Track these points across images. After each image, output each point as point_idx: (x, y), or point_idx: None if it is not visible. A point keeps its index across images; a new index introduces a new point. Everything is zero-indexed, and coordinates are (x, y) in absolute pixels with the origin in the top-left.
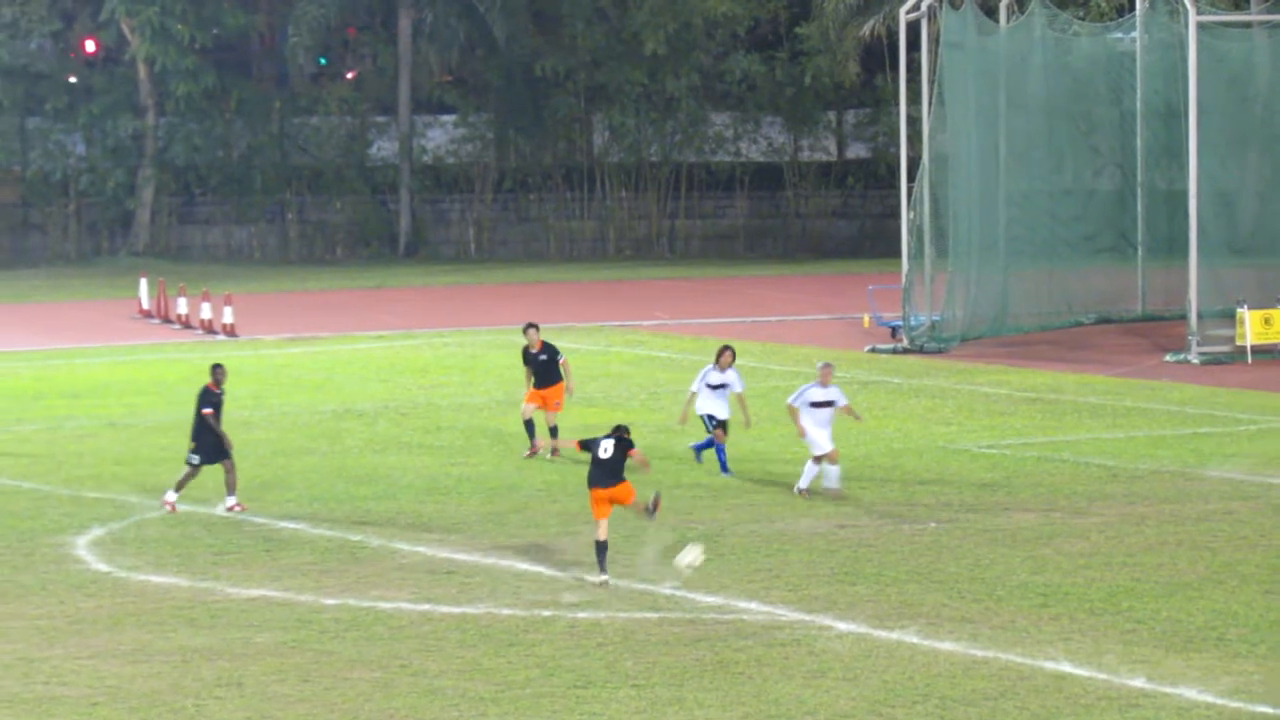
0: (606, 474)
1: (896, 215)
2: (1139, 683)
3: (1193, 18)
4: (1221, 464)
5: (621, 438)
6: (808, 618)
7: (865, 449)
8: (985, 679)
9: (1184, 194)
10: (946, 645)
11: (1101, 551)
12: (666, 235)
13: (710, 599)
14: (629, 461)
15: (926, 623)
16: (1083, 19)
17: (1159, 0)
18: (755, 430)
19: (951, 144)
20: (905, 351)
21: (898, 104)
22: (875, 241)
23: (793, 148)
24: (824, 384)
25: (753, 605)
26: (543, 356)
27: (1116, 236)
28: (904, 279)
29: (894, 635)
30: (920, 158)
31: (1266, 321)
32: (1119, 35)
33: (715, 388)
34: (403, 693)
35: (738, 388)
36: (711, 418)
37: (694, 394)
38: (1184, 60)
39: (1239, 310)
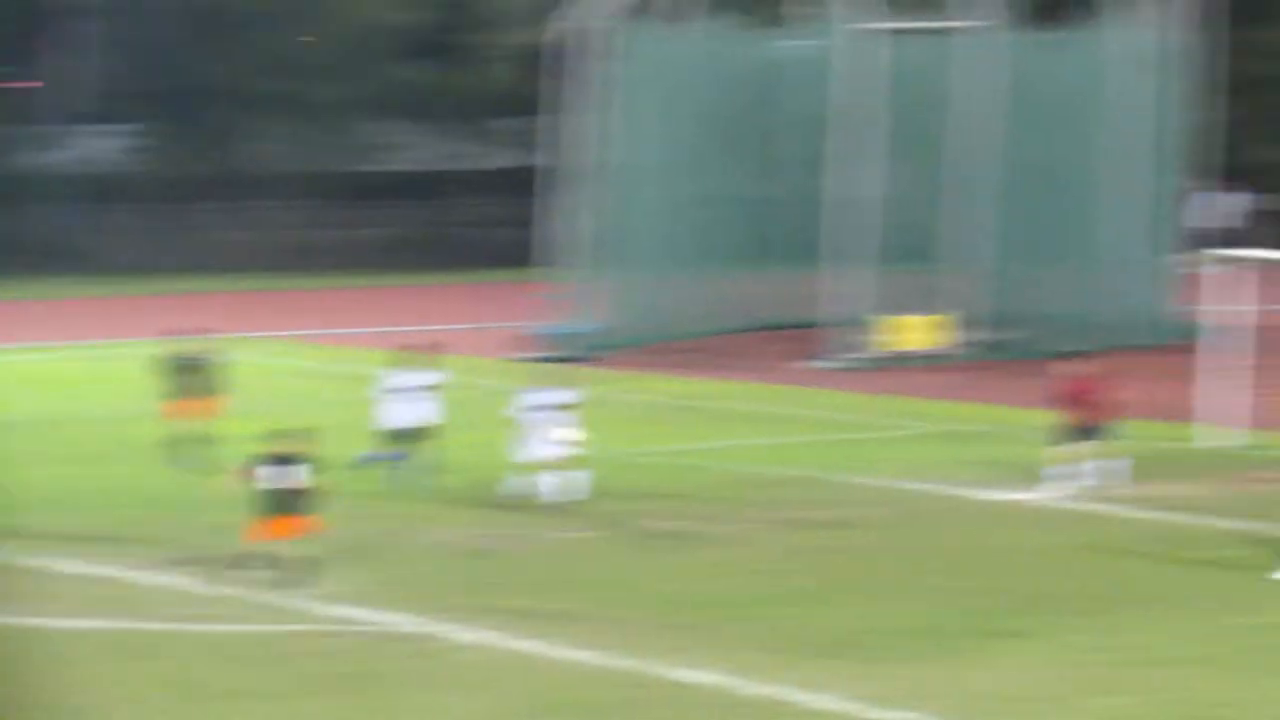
0: (276, 502)
1: (561, 223)
2: (775, 689)
3: (854, 25)
4: (863, 470)
5: (284, 457)
6: (440, 627)
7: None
8: (623, 687)
9: (834, 201)
10: (585, 654)
11: (744, 558)
12: (330, 244)
13: (341, 610)
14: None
15: (561, 632)
16: (750, 27)
17: (826, 7)
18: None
19: (617, 151)
20: (564, 360)
21: (564, 111)
22: (539, 250)
23: (456, 156)
24: (548, 388)
25: (385, 615)
26: (196, 364)
27: (771, 243)
28: (565, 287)
29: (532, 644)
30: (586, 165)
31: (909, 328)
32: (787, 42)
33: (412, 390)
34: (26, 709)
35: (438, 383)
36: (398, 431)
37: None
38: (848, 67)
39: (883, 317)
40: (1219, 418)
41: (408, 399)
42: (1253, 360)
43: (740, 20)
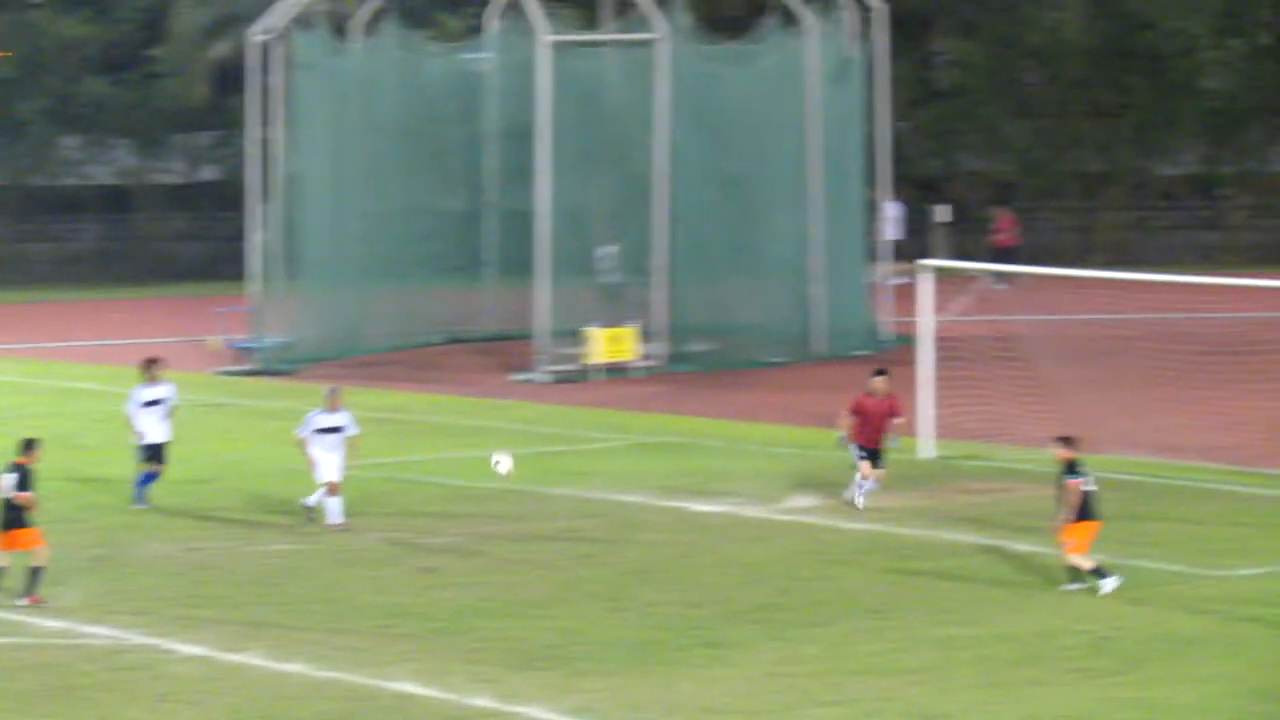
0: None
1: (247, 237)
2: (484, 702)
3: (542, 37)
4: (573, 482)
5: (20, 468)
6: (153, 641)
7: (213, 471)
8: (331, 700)
9: (525, 214)
10: (293, 667)
11: (449, 571)
12: (23, 258)
13: (55, 624)
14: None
15: (273, 645)
16: (435, 39)
17: (510, 20)
18: (108, 452)
19: (303, 164)
20: (255, 373)
21: (247, 125)
22: (227, 263)
23: (143, 170)
24: (332, 409)
25: (98, 630)
26: None
27: (467, 256)
28: (253, 300)
29: (240, 658)
30: (274, 179)
31: (614, 340)
32: (472, 55)
33: (151, 405)
34: None
35: (173, 400)
36: (148, 445)
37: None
38: (535, 80)
39: (579, 330)
40: (932, 428)
41: (151, 413)
42: (958, 370)
43: (428, 33)
